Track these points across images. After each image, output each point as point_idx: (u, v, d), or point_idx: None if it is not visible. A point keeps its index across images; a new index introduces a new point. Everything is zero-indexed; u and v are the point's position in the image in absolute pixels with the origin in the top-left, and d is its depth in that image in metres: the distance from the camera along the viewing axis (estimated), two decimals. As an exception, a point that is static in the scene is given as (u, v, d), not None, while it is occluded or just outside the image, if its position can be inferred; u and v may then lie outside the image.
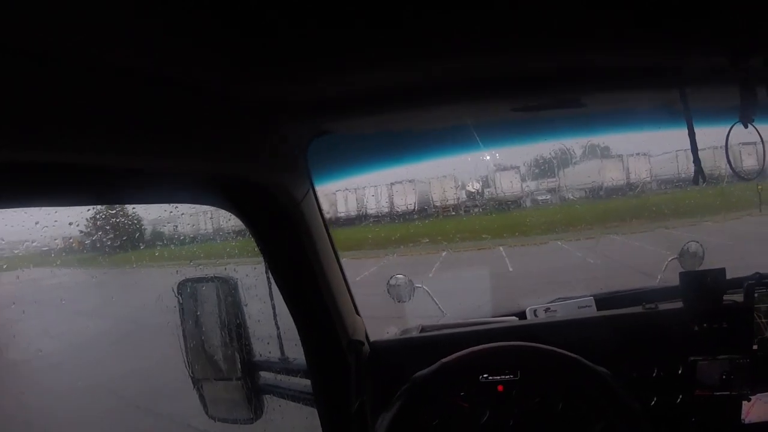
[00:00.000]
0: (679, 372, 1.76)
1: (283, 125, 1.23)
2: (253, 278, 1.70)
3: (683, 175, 10.80)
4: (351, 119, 1.37)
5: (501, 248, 10.74)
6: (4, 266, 5.03)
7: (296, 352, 1.63)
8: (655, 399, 1.75)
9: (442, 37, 0.93)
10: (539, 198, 12.72)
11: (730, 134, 1.31)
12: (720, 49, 1.14)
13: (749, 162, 1.43)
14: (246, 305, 1.67)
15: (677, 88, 1.30)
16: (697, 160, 1.33)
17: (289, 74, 1.01)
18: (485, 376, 1.60)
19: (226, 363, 1.74)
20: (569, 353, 1.51)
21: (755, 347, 1.74)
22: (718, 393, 1.72)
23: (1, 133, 0.58)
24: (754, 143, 1.36)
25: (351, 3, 0.76)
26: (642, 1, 0.90)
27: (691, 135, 1.31)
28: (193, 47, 0.78)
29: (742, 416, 1.80)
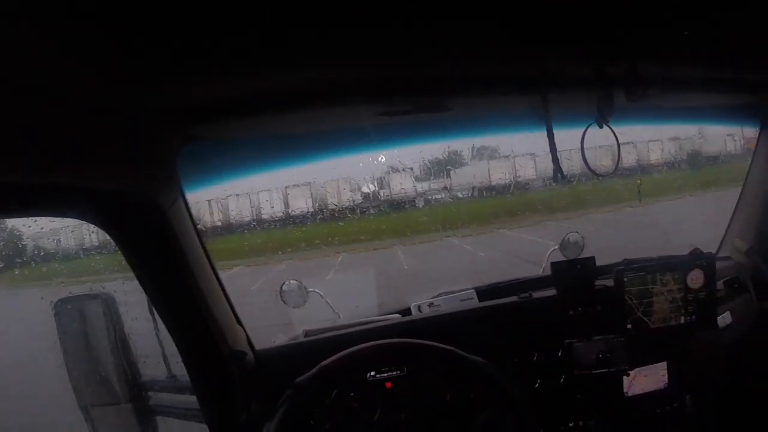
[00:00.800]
0: (559, 355, 1.87)
1: (150, 132, 1.19)
2: (130, 295, 1.63)
3: (567, 174, 11.49)
4: (221, 125, 1.34)
5: (397, 247, 10.93)
6: None
7: (183, 369, 1.57)
8: (538, 382, 1.86)
9: (309, 45, 0.94)
10: (432, 197, 13.04)
11: (587, 135, 1.43)
12: (578, 58, 1.23)
13: (629, 159, 1.56)
14: (127, 323, 1.60)
15: (539, 94, 1.38)
16: (555, 160, 1.43)
17: (154, 80, 0.99)
18: (372, 374, 1.61)
19: (112, 386, 1.65)
20: (443, 345, 1.56)
21: (629, 326, 1.88)
22: (596, 371, 1.85)
23: None
24: (630, 143, 1.49)
25: (217, 9, 0.75)
26: (505, 12, 0.95)
27: (551, 137, 1.40)
28: (52, 53, 0.74)
29: (625, 390, 1.95)
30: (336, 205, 12.43)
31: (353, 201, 12.92)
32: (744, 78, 1.65)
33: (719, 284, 2.05)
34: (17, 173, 0.81)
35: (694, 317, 1.93)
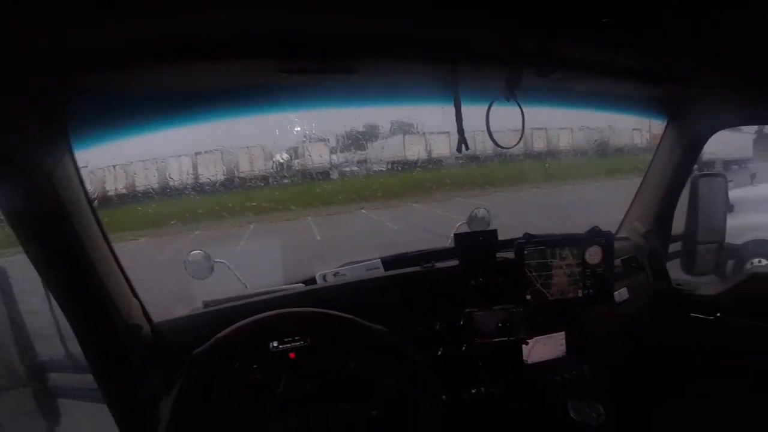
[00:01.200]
0: (460, 323, 1.94)
1: (35, 83, 1.08)
2: (25, 269, 1.51)
3: (478, 153, 11.79)
4: (114, 75, 1.22)
5: (309, 218, 10.85)
6: None
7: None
8: (440, 350, 1.92)
9: None
10: (347, 169, 13.03)
11: (497, 113, 1.45)
12: (493, 29, 1.22)
13: (539, 144, 1.62)
14: (21, 300, 1.48)
15: (449, 64, 1.38)
16: (461, 130, 1.45)
17: (40, 20, 0.89)
18: (275, 345, 1.58)
19: (9, 368, 1.53)
20: (343, 314, 1.55)
21: (528, 297, 1.98)
22: (496, 339, 1.94)
23: None
24: (542, 128, 1.53)
25: None
26: None
27: (457, 107, 1.41)
28: None
29: (525, 358, 2.05)
30: (248, 174, 12.13)
31: (266, 170, 12.66)
32: (654, 70, 1.70)
33: (618, 262, 2.19)
34: None
35: (591, 291, 2.04)
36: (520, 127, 1.55)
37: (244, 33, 1.13)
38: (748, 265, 6.70)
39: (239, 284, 2.42)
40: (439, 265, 2.05)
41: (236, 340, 1.48)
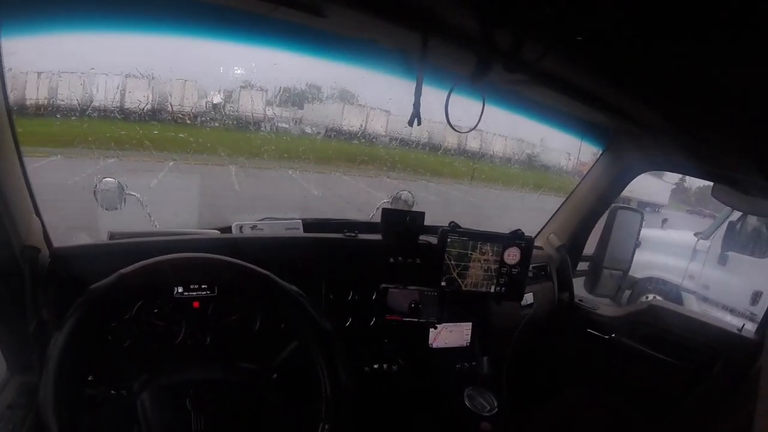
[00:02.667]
0: (373, 297, 1.97)
1: None
2: None
3: (413, 140, 11.89)
4: None
5: (232, 167, 10.58)
6: None
7: None
8: (350, 320, 1.95)
9: None
10: (280, 125, 12.73)
11: (451, 96, 1.45)
12: (473, 11, 1.22)
13: (473, 144, 1.64)
14: None
15: (420, 35, 1.36)
16: (417, 104, 1.43)
17: None
18: (180, 291, 1.54)
19: None
20: (261, 270, 1.52)
21: (443, 284, 2.05)
22: (407, 319, 2.01)
23: None
24: (477, 130, 1.55)
25: None
26: None
27: (419, 82, 1.40)
28: None
29: (430, 341, 2.12)
30: (177, 109, 11.63)
31: (196, 108, 12.18)
32: (603, 98, 1.77)
33: (530, 267, 2.29)
34: None
35: (503, 289, 2.16)
36: (459, 119, 1.57)
37: None
38: (643, 298, 7.30)
39: (148, 221, 2.34)
40: (361, 236, 2.07)
41: (140, 280, 1.41)
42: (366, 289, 2.07)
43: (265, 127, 13.29)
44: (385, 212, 2.17)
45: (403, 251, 2.14)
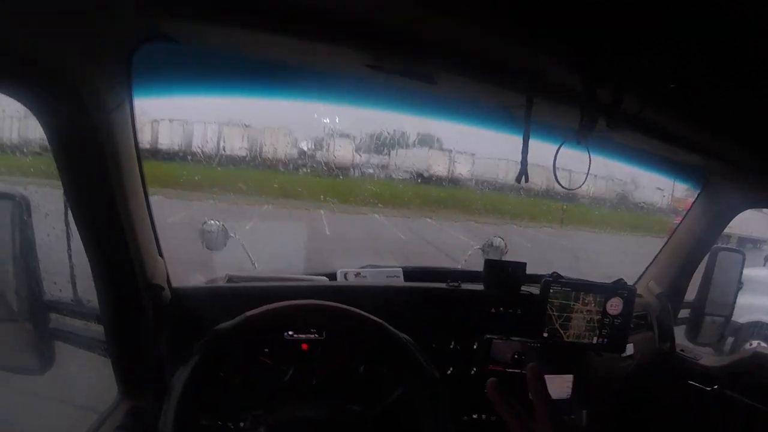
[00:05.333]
0: (475, 347, 1.94)
1: (113, 19, 1.04)
2: (48, 203, 1.48)
3: (500, 181, 11.79)
4: (194, 26, 1.18)
5: (322, 211, 10.86)
6: None
7: (92, 294, 1.44)
8: (451, 369, 1.92)
9: None
10: (368, 171, 12.98)
11: (560, 152, 1.44)
12: (572, 71, 1.24)
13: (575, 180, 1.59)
14: (39, 233, 1.44)
15: (525, 94, 1.36)
16: (524, 161, 1.42)
17: None
18: (290, 333, 1.58)
19: (10, 301, 1.48)
20: (374, 317, 1.55)
21: (545, 335, 1.98)
22: (509, 370, 1.94)
23: None
24: (567, 170, 1.52)
25: None
26: None
27: (526, 138, 1.40)
28: None
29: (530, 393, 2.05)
30: (270, 155, 12.15)
31: (288, 155, 12.68)
32: (697, 140, 1.75)
33: None
34: None
35: (605, 340, 2.06)
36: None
37: (340, 18, 1.11)
38: (747, 345, 6.70)
39: (248, 262, 2.42)
40: (464, 286, 2.06)
41: (264, 323, 1.49)
42: (468, 338, 2.05)
43: (353, 172, 13.63)
44: (488, 263, 2.16)
45: (505, 302, 2.12)
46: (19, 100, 1.04)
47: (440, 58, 1.28)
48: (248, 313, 1.48)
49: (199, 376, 1.40)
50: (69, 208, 1.33)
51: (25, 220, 1.41)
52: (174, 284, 1.68)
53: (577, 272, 2.20)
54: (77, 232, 1.31)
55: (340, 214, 11.13)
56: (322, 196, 11.02)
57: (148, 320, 1.50)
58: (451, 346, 2.00)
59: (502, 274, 2.12)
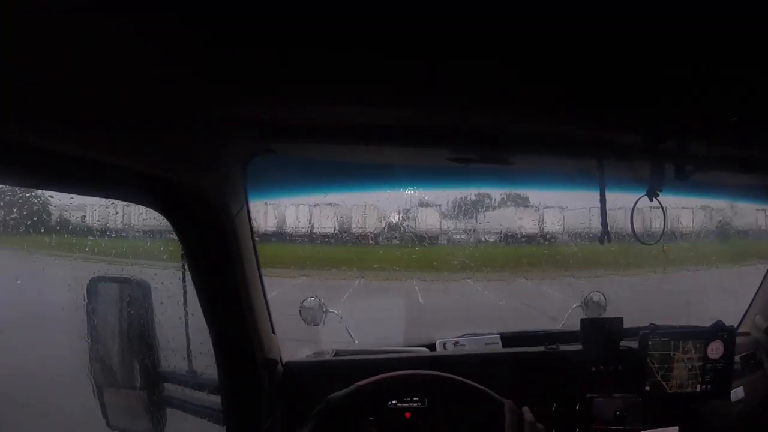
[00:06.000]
0: (577, 408, 1.89)
1: (231, 139, 1.25)
2: (165, 285, 1.66)
3: (593, 231, 11.38)
4: (296, 143, 1.41)
5: (414, 281, 10.86)
6: None
7: (204, 367, 1.59)
8: (554, 431, 1.87)
9: (395, 86, 1.00)
10: (456, 237, 12.95)
11: (637, 205, 1.46)
12: (635, 131, 1.29)
13: (657, 224, 1.59)
14: (158, 312, 1.62)
15: (595, 159, 1.43)
16: (605, 223, 1.45)
17: (248, 94, 1.06)
18: (393, 402, 1.63)
19: (130, 370, 1.65)
20: (477, 384, 1.57)
21: (648, 388, 1.91)
22: (612, 427, 1.88)
23: None
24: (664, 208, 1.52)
25: (320, 37, 0.81)
26: (570, 82, 1.01)
27: (602, 201, 1.44)
28: (158, 51, 0.79)
29: None
30: (359, 231, 12.43)
31: (377, 229, 12.91)
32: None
33: (736, 359, 2.09)
34: (100, 153, 0.84)
35: (709, 386, 1.97)
36: (625, 205, 1.58)
37: (425, 125, 1.28)
38: None
39: (346, 336, 2.49)
40: (562, 347, 2.04)
41: (373, 393, 1.54)
42: (569, 399, 2.00)
43: (441, 240, 13.64)
44: (585, 322, 2.12)
45: (604, 359, 2.07)
46: (154, 209, 1.24)
47: (514, 144, 1.39)
48: (360, 383, 1.54)
49: None
50: (185, 291, 1.52)
51: (147, 301, 1.60)
52: (285, 359, 1.79)
53: (684, 316, 2.12)
54: (199, 311, 1.48)
55: (432, 283, 11.06)
56: (412, 267, 11.06)
57: (263, 392, 1.59)
58: (553, 408, 1.96)
59: (600, 332, 2.09)
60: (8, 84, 0.60)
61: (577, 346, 2.07)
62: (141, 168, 0.98)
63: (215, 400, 1.60)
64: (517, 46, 0.90)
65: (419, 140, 1.33)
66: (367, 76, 0.99)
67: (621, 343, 2.08)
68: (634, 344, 2.00)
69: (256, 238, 1.60)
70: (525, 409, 1.55)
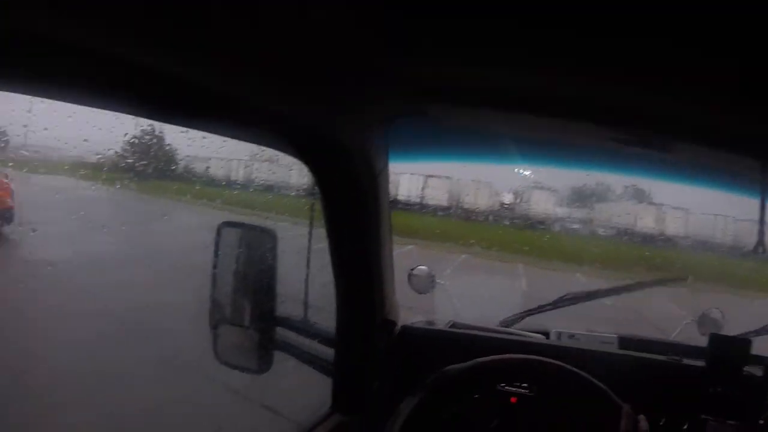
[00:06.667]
0: (685, 427, 1.78)
1: (384, 97, 1.23)
2: (290, 238, 1.72)
3: (718, 240, 10.57)
4: (446, 107, 1.35)
5: (520, 266, 10.65)
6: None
7: (319, 318, 1.63)
8: None
9: (562, 54, 0.94)
10: (570, 226, 12.55)
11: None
12: None
13: None
14: (281, 262, 1.68)
15: (759, 160, 1.30)
16: (762, 231, 1.32)
17: (410, 55, 1.02)
18: (503, 385, 1.60)
19: (246, 310, 1.74)
20: (598, 382, 1.52)
21: (762, 422, 1.77)
22: None
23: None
24: None
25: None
26: (750, 70, 0.91)
27: (763, 206, 1.31)
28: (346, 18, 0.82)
29: None
30: (470, 206, 12.35)
31: (488, 207, 12.77)
32: None
33: None
34: (248, 92, 0.86)
35: None
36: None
37: (589, 98, 1.18)
38: None
39: (450, 308, 2.48)
40: (685, 361, 1.92)
41: (490, 371, 1.53)
42: (681, 416, 1.89)
43: (554, 226, 13.21)
44: (714, 338, 1.98)
45: (726, 381, 1.93)
46: (297, 158, 1.27)
47: (677, 130, 1.28)
48: (480, 360, 1.52)
49: (423, 409, 1.46)
50: (311, 244, 1.57)
51: (273, 249, 1.66)
52: (401, 323, 1.82)
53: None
54: (320, 264, 1.52)
55: (539, 270, 10.79)
56: (520, 251, 10.84)
57: (377, 350, 1.63)
58: (661, 423, 1.87)
59: (727, 351, 1.95)
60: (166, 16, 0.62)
61: (699, 362, 1.95)
62: (287, 113, 0.99)
63: (326, 351, 1.65)
64: (698, 23, 0.82)
65: (576, 113, 1.26)
66: (526, 42, 0.94)
67: (745, 369, 1.95)
68: (758, 371, 1.86)
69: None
70: (641, 417, 1.47)
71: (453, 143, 1.67)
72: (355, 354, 1.59)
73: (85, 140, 2.66)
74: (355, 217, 1.40)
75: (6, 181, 5.45)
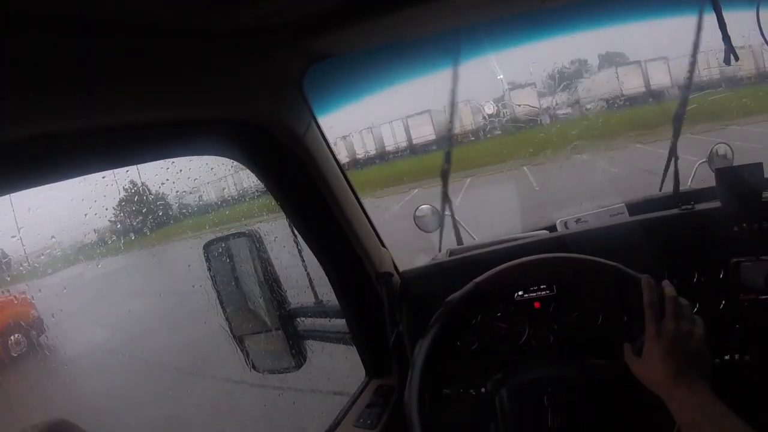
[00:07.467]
0: (721, 276, 1.66)
1: (276, 54, 1.13)
2: (278, 231, 1.71)
3: (704, 79, 10.35)
4: (346, 34, 1.18)
5: (525, 168, 10.59)
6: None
7: (330, 295, 1.63)
8: (697, 306, 1.64)
9: None
10: (558, 113, 12.40)
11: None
12: None
13: None
14: (273, 256, 1.68)
15: None
16: (726, 38, 1.23)
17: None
18: (520, 294, 1.55)
19: (262, 316, 1.74)
20: (606, 261, 1.43)
21: None
22: (763, 297, 1.62)
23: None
24: None
25: None
26: None
27: (718, 11, 1.22)
28: None
29: None
30: (459, 130, 12.22)
31: (475, 124, 12.65)
32: None
33: None
34: (159, 113, 0.83)
35: None
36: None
37: None
38: None
39: (467, 235, 2.46)
40: (698, 207, 1.78)
41: (492, 287, 1.46)
42: (712, 267, 1.78)
43: (544, 119, 13.06)
44: (720, 172, 1.83)
45: (747, 214, 1.80)
46: (224, 155, 1.20)
47: None
48: (476, 279, 1.46)
49: (438, 345, 1.41)
50: (293, 229, 1.53)
51: (260, 249, 1.66)
52: (402, 269, 1.78)
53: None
54: (306, 246, 1.50)
55: (542, 165, 10.71)
56: (520, 154, 10.77)
57: (383, 305, 1.58)
58: (695, 279, 1.76)
59: (738, 182, 1.82)
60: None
61: (715, 204, 1.83)
62: (196, 115, 0.94)
63: (343, 323, 1.65)
64: None
65: None
66: None
67: (763, 194, 1.82)
68: None
69: (363, 165, 1.56)
70: (665, 282, 1.38)
71: (376, 71, 1.59)
72: (362, 317, 1.58)
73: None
74: (300, 187, 1.35)
75: (24, 295, 5.48)
